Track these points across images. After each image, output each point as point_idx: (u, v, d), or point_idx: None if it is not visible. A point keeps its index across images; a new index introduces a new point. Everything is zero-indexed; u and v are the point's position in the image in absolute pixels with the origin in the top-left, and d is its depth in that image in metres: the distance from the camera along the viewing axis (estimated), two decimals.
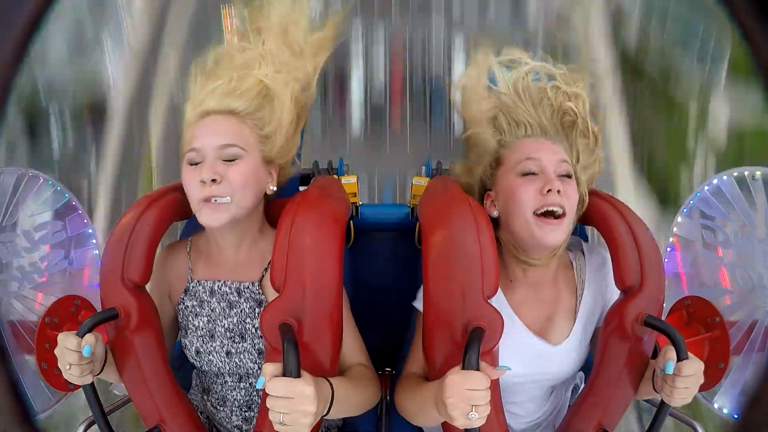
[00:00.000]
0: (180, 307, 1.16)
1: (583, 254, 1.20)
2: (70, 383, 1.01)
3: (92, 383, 0.99)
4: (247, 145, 1.07)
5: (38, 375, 1.25)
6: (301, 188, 1.29)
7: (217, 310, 1.13)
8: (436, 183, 1.31)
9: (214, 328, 1.13)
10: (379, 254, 1.59)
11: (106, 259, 1.07)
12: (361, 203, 1.51)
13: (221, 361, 1.13)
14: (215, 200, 1.03)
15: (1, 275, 1.29)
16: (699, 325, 1.33)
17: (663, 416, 1.03)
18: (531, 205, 1.06)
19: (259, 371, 1.12)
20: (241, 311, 1.12)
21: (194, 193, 1.05)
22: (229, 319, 1.13)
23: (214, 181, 1.02)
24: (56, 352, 0.97)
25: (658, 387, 1.01)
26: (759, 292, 1.35)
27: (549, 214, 1.06)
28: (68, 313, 1.30)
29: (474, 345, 0.90)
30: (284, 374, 0.86)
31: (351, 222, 1.37)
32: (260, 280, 1.13)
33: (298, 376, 0.87)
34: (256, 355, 1.12)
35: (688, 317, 1.35)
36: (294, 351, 0.87)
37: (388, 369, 1.55)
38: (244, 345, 1.12)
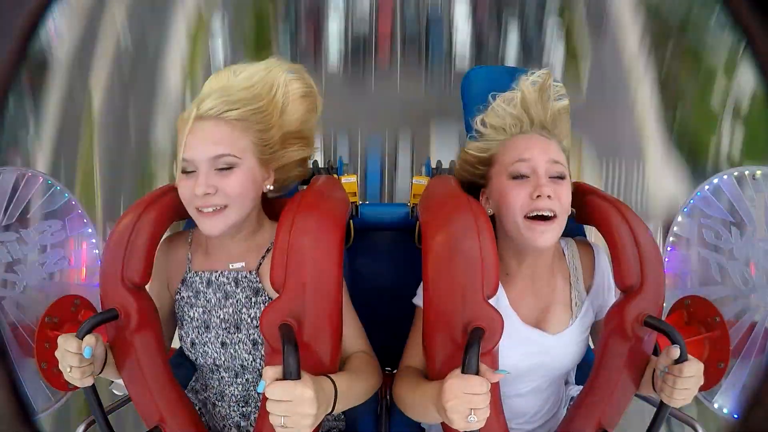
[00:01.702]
0: (177, 297, 1.17)
1: (575, 243, 1.23)
2: (71, 384, 1.01)
3: (93, 384, 0.99)
4: (241, 152, 1.05)
5: (38, 375, 1.25)
6: (301, 187, 1.29)
7: (213, 301, 1.14)
8: (437, 182, 1.31)
9: (210, 319, 1.13)
10: (379, 254, 1.59)
11: (106, 260, 1.07)
12: (360, 203, 1.51)
13: (216, 352, 1.13)
14: (207, 210, 1.04)
15: (2, 275, 1.29)
16: (699, 324, 1.33)
17: (663, 416, 1.03)
18: (521, 209, 1.07)
19: (254, 363, 1.13)
20: (237, 301, 1.13)
21: (189, 202, 1.06)
22: (224, 310, 1.13)
23: (208, 194, 1.02)
24: (57, 354, 0.97)
25: (658, 387, 1.02)
26: (759, 292, 1.35)
27: (539, 217, 1.06)
28: (68, 312, 1.30)
29: (474, 346, 0.90)
30: (284, 376, 0.87)
31: (351, 222, 1.37)
32: (257, 268, 1.14)
33: (298, 377, 0.87)
34: (250, 345, 1.12)
35: (688, 317, 1.35)
36: (294, 353, 0.87)
37: (389, 369, 1.55)
38: (239, 336, 1.12)
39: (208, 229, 1.05)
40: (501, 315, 0.99)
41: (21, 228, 1.31)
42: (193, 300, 1.15)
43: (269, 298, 1.11)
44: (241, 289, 1.13)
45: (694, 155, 2.89)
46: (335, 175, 1.48)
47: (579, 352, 1.17)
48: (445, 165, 1.55)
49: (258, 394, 1.15)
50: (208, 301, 1.14)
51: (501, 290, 1.13)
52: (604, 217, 1.13)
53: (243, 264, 1.15)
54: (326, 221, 1.05)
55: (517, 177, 1.09)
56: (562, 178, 1.10)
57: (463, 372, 0.88)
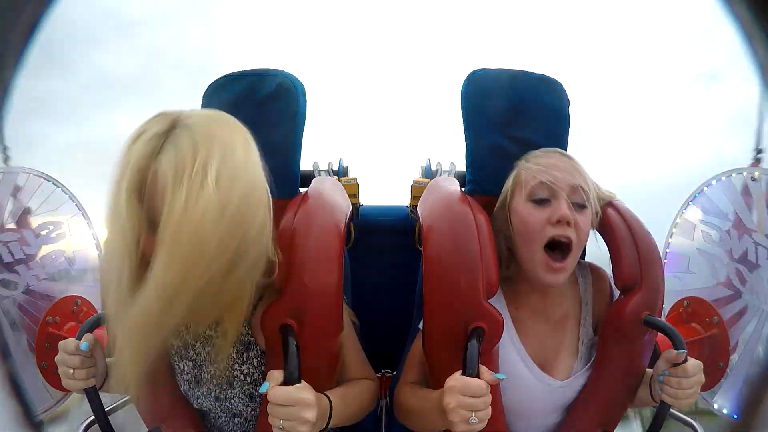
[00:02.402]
0: (168, 344, 1.07)
1: (590, 271, 1.20)
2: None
3: (94, 384, 0.99)
4: None
5: (38, 375, 1.25)
6: (302, 189, 1.29)
7: (203, 355, 1.04)
8: (436, 184, 1.31)
9: (200, 374, 1.05)
10: (380, 255, 1.59)
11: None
12: (361, 204, 1.51)
13: (211, 404, 1.06)
14: None
15: (2, 275, 1.29)
16: (698, 324, 1.33)
17: (663, 416, 1.03)
18: (540, 238, 1.03)
19: (253, 412, 1.07)
20: (228, 357, 1.02)
21: None
22: (215, 366, 1.02)
23: None
24: (57, 359, 0.96)
25: (656, 394, 1.02)
26: (758, 291, 1.35)
27: (557, 246, 1.03)
28: (69, 312, 1.30)
29: (474, 346, 0.90)
30: (285, 380, 0.87)
31: (351, 223, 1.37)
32: (249, 319, 1.04)
33: (299, 381, 0.87)
34: (247, 399, 1.05)
35: (688, 317, 1.36)
36: (295, 356, 0.88)
37: (388, 370, 1.55)
38: (233, 392, 1.05)
39: None
40: (501, 315, 0.99)
41: (22, 228, 1.31)
42: (183, 351, 1.06)
43: (262, 351, 1.03)
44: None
45: None
46: (336, 177, 1.48)
47: (584, 384, 1.13)
48: (445, 167, 1.56)
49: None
50: (197, 355, 1.04)
51: (513, 331, 1.11)
52: (604, 218, 1.13)
53: None
54: (327, 223, 1.05)
55: (537, 200, 1.05)
56: (583, 206, 1.05)
57: (463, 372, 0.89)
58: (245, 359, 1.03)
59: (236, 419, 1.09)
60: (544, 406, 1.12)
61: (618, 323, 1.07)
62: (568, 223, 1.02)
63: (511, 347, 1.08)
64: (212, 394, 1.05)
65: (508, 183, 1.13)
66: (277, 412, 0.86)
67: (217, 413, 1.09)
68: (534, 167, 1.08)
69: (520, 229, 1.07)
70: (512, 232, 1.09)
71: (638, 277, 1.06)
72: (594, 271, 1.20)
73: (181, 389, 1.08)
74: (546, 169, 1.06)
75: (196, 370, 1.05)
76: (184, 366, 1.06)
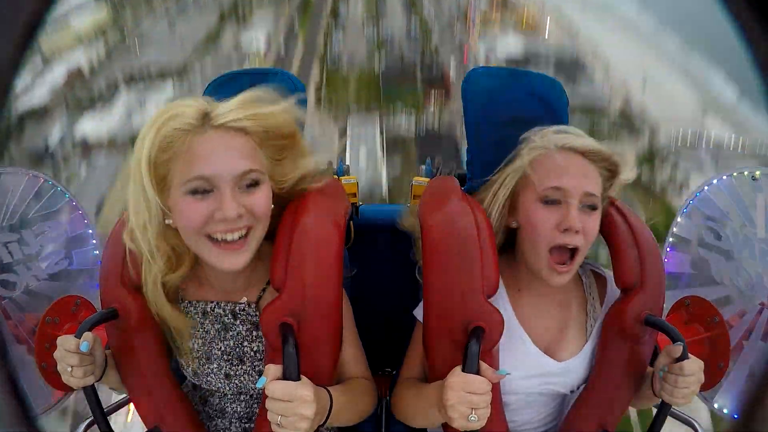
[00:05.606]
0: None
1: (593, 273, 1.20)
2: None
3: (93, 384, 0.99)
4: (263, 167, 0.95)
5: (38, 375, 1.24)
6: None
7: (212, 333, 1.08)
8: (437, 183, 1.31)
9: (210, 351, 1.08)
10: (379, 254, 1.59)
11: (107, 260, 1.07)
12: (360, 203, 1.51)
13: (220, 383, 1.09)
14: (232, 237, 0.91)
15: (2, 275, 1.29)
16: (699, 324, 1.33)
17: (663, 416, 1.03)
18: (547, 240, 1.02)
19: (258, 390, 1.08)
20: (238, 334, 1.07)
21: (201, 228, 0.90)
22: (225, 342, 1.07)
23: (239, 216, 0.90)
24: (56, 355, 0.96)
25: (657, 391, 1.02)
26: (759, 291, 1.35)
27: (564, 251, 1.03)
28: (68, 313, 1.30)
29: (474, 345, 0.90)
30: (284, 376, 0.87)
31: (351, 222, 1.37)
32: (257, 301, 1.07)
33: (298, 378, 0.87)
34: (257, 377, 1.07)
35: (688, 317, 1.35)
36: (294, 353, 0.88)
37: (388, 369, 1.55)
38: (244, 368, 1.08)
39: (229, 264, 0.93)
40: (501, 314, 0.99)
41: (22, 229, 1.31)
42: (192, 331, 1.09)
43: None
44: (240, 322, 1.07)
45: None
46: (335, 176, 1.48)
47: (586, 372, 1.13)
48: (445, 167, 1.55)
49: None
50: (207, 333, 1.08)
51: (510, 309, 1.11)
52: (605, 217, 1.13)
53: (246, 299, 1.08)
54: (326, 222, 1.05)
55: (548, 202, 1.03)
56: (594, 209, 1.04)
57: (463, 370, 0.89)
58: (255, 337, 1.07)
59: (242, 396, 1.12)
60: (538, 392, 1.11)
61: (619, 323, 1.06)
62: (576, 231, 1.01)
63: (512, 331, 1.07)
64: (222, 371, 1.08)
65: (522, 161, 1.07)
66: (275, 407, 0.86)
67: (224, 392, 1.12)
68: (548, 166, 1.04)
69: (527, 226, 1.06)
70: (517, 224, 1.09)
71: (639, 276, 1.06)
72: (594, 272, 1.21)
73: (189, 371, 1.10)
74: (561, 173, 1.03)
75: (206, 347, 1.08)
76: (193, 344, 1.09)
